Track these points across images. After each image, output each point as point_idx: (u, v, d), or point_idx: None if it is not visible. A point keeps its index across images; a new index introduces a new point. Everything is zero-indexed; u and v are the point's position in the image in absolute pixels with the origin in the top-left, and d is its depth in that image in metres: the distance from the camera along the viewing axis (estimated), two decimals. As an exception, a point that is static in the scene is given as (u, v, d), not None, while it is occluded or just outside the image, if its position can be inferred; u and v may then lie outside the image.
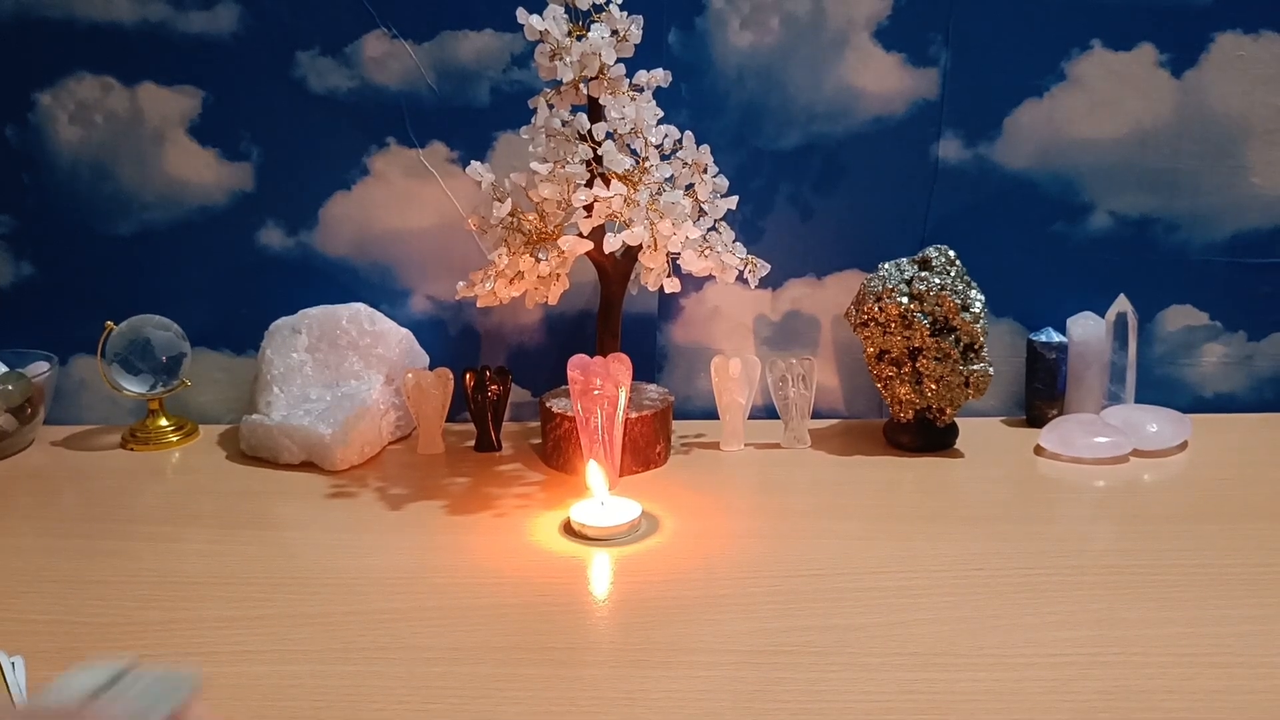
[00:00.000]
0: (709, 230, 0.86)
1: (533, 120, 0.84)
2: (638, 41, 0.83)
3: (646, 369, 1.05)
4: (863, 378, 1.04)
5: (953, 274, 0.93)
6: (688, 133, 0.86)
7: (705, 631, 0.66)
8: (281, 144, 1.01)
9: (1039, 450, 0.95)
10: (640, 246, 0.83)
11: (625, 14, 0.83)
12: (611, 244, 0.82)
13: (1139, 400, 1.01)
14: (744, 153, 1.00)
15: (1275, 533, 0.78)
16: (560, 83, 0.83)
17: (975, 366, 0.93)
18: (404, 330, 1.02)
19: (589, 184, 0.82)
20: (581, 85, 0.84)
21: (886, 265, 0.95)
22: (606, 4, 0.82)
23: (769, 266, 0.89)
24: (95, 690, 0.42)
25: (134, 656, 0.44)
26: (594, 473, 0.82)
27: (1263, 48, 0.97)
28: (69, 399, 1.07)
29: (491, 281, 0.85)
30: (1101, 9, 0.96)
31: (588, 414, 0.85)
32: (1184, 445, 0.96)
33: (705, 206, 0.86)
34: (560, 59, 0.82)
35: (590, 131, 0.82)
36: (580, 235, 0.83)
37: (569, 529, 0.80)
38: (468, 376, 0.97)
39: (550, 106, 0.84)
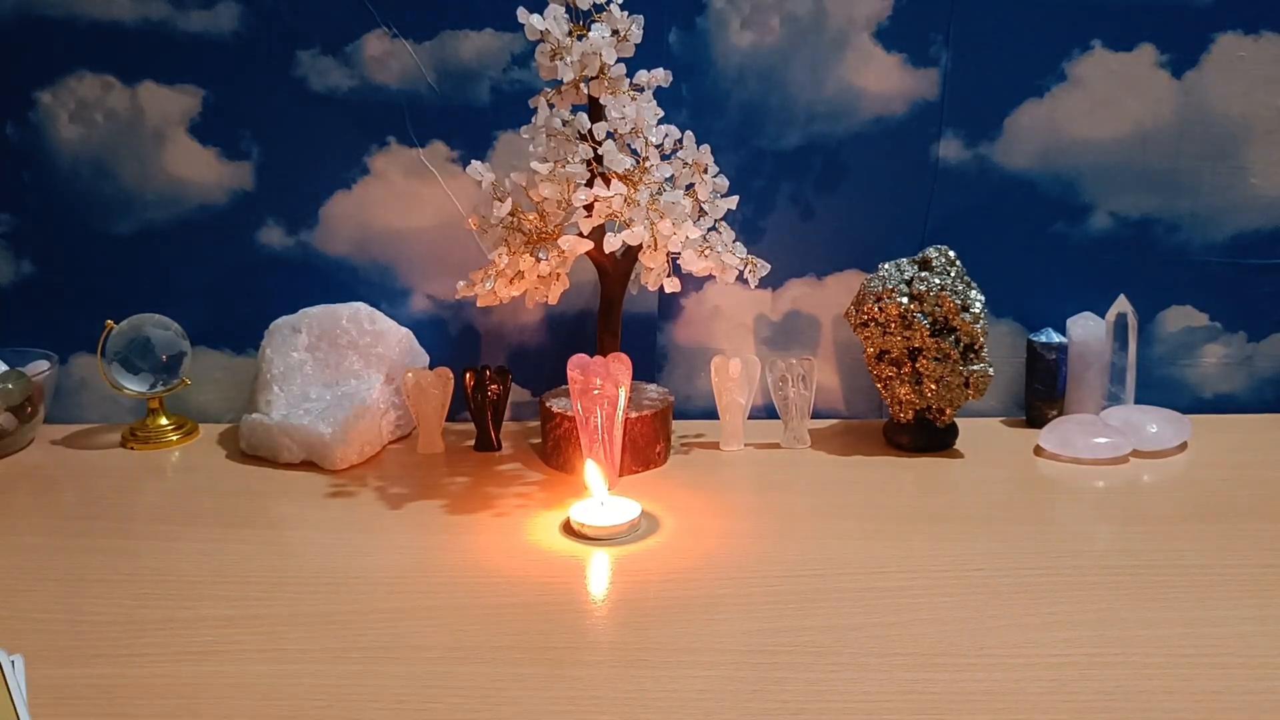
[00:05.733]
0: (709, 230, 0.86)
1: (533, 120, 0.84)
2: (638, 41, 0.83)
3: (646, 369, 1.05)
4: (863, 378, 1.04)
5: (953, 274, 0.93)
6: (688, 132, 0.86)
7: (705, 631, 0.66)
8: (282, 143, 1.01)
9: (1039, 451, 0.95)
10: (640, 246, 0.83)
11: (626, 14, 0.83)
12: (611, 244, 0.82)
13: (1139, 401, 1.01)
14: (744, 153, 1.00)
15: (1275, 533, 0.78)
16: (561, 82, 0.83)
17: (975, 367, 0.93)
18: (404, 329, 1.02)
19: (589, 183, 0.82)
20: (582, 85, 0.84)
21: (886, 265, 0.95)
22: (607, 4, 0.82)
23: (769, 266, 0.89)
24: None
25: None
26: (592, 473, 0.82)
27: (1263, 48, 0.97)
28: (69, 398, 1.07)
29: (491, 281, 0.85)
30: (1101, 9, 0.96)
31: (588, 414, 0.85)
32: (1184, 446, 0.96)
33: (705, 206, 0.86)
34: (561, 58, 0.82)
35: (590, 131, 0.82)
36: (580, 235, 0.83)
37: (569, 528, 0.80)
38: (468, 376, 0.97)
39: (551, 106, 0.84)
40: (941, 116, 0.99)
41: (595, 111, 0.84)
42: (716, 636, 0.65)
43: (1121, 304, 0.99)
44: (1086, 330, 1.00)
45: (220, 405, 1.06)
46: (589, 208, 0.82)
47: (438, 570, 0.74)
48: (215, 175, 1.02)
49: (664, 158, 0.85)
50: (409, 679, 0.61)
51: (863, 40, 0.97)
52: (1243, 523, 0.80)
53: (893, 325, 0.94)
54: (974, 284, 0.94)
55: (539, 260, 0.84)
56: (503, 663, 0.62)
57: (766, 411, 1.01)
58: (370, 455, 0.96)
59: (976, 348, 0.94)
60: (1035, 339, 1.01)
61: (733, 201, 0.87)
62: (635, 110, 0.83)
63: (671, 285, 0.86)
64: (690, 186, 0.86)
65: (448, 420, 0.99)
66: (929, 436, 0.96)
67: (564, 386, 0.95)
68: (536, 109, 0.84)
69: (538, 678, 0.61)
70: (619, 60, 0.82)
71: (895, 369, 0.95)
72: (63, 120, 1.01)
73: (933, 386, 0.93)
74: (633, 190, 0.82)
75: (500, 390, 0.97)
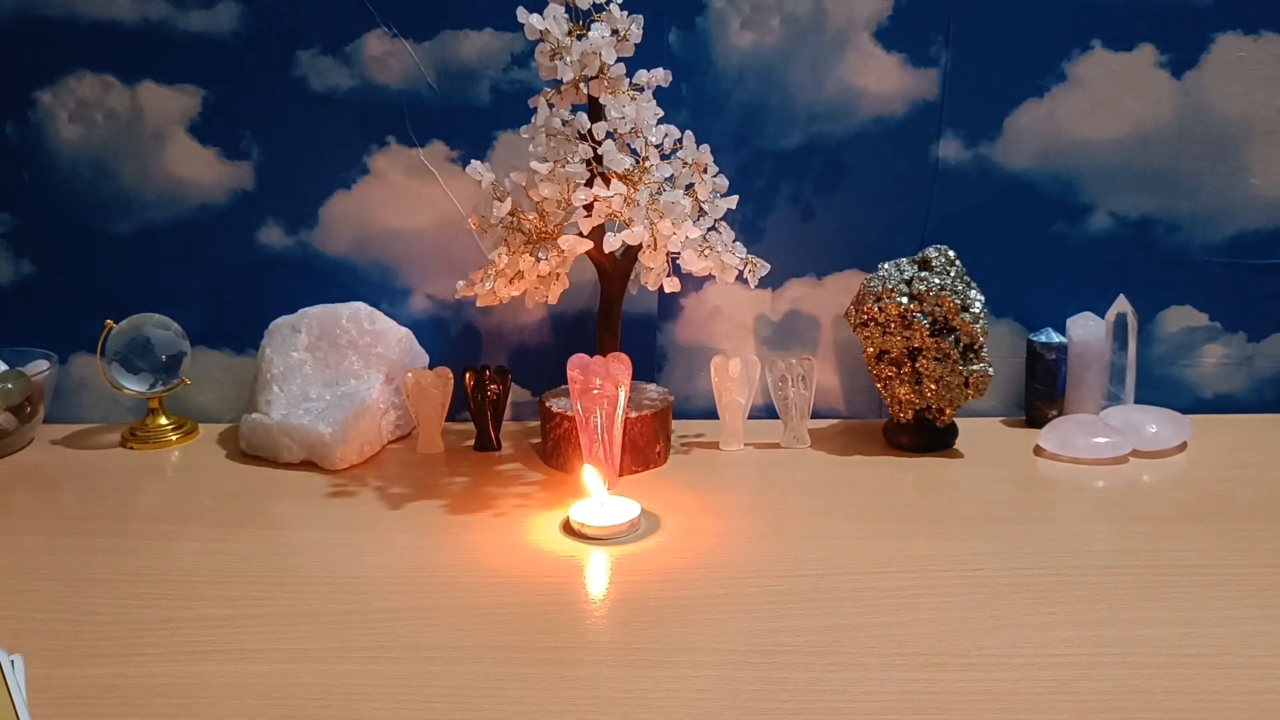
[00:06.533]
0: (709, 230, 0.86)
1: (533, 119, 0.84)
2: (638, 41, 0.83)
3: (646, 369, 1.05)
4: (863, 378, 1.04)
5: (952, 274, 0.93)
6: (688, 132, 0.86)
7: (704, 631, 0.66)
8: (281, 143, 1.01)
9: (1038, 451, 0.95)
10: (640, 246, 0.83)
11: (625, 13, 0.83)
12: (611, 243, 0.82)
13: (1138, 401, 1.01)
14: (744, 153, 1.00)
15: (1275, 533, 0.78)
16: (560, 82, 0.83)
17: (975, 367, 0.93)
18: (404, 329, 1.02)
19: (589, 183, 0.82)
20: (582, 85, 0.84)
21: (886, 265, 0.95)
22: (607, 3, 0.82)
23: (769, 266, 0.89)
24: None
25: None
26: (590, 476, 0.82)
27: (1263, 48, 0.97)
28: (69, 397, 1.07)
29: (491, 281, 0.85)
30: (1101, 9, 0.96)
31: (587, 414, 0.85)
32: (1183, 446, 0.96)
33: (705, 206, 0.86)
34: (560, 58, 0.82)
35: (590, 131, 0.82)
36: (580, 235, 0.83)
37: (568, 528, 0.80)
38: (467, 376, 0.97)
39: (550, 106, 0.84)
40: (941, 116, 0.99)
41: (595, 111, 0.84)
42: (716, 636, 0.65)
43: (1121, 304, 0.99)
44: (1086, 330, 1.00)
45: (220, 405, 1.06)
46: (589, 208, 0.82)
47: (438, 570, 0.74)
48: (215, 175, 1.02)
49: (664, 158, 0.85)
50: (409, 679, 0.61)
51: (863, 40, 0.97)
52: (1242, 523, 0.80)
53: (892, 325, 0.94)
54: (974, 284, 0.94)
55: (539, 260, 0.84)
56: (503, 663, 0.62)
57: (766, 411, 1.01)
58: (370, 455, 0.96)
59: (976, 348, 0.94)
60: (1035, 339, 1.01)
61: (732, 201, 0.87)
62: (635, 110, 0.83)
63: (671, 285, 0.86)
64: (690, 186, 0.86)
65: (447, 420, 0.99)
66: (929, 436, 0.96)
67: (564, 386, 0.95)
68: (536, 109, 0.84)
69: (538, 678, 0.61)
70: (619, 60, 0.82)
71: (895, 369, 0.95)
72: (63, 120, 1.01)
73: (932, 386, 0.93)
74: (632, 190, 0.82)
75: (500, 390, 0.97)
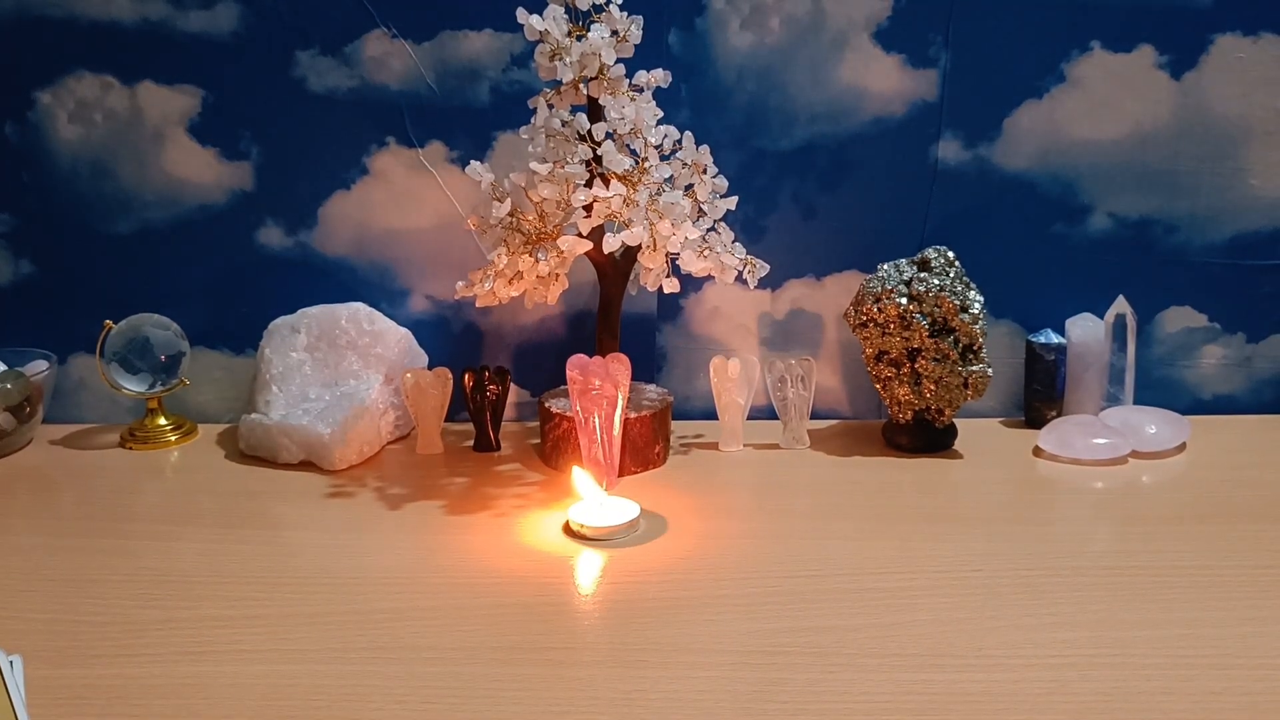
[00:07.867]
0: (708, 230, 0.87)
1: (532, 120, 0.84)
2: (638, 42, 0.83)
3: (646, 369, 1.05)
4: (863, 378, 1.04)
5: (952, 275, 0.94)
6: (687, 133, 0.86)
7: (704, 631, 0.66)
8: (281, 143, 1.01)
9: (1038, 451, 0.96)
10: (640, 247, 0.83)
11: (625, 14, 0.83)
12: (611, 244, 0.82)
13: (1138, 402, 1.01)
14: (744, 153, 1.00)
15: (1274, 534, 0.78)
16: (560, 83, 0.83)
17: (974, 368, 0.93)
18: (403, 330, 1.02)
19: (588, 184, 0.82)
20: (581, 85, 0.84)
21: (885, 266, 0.95)
22: (606, 4, 0.82)
23: (768, 267, 0.89)
24: None
25: None
26: (580, 479, 0.82)
27: (1262, 50, 0.97)
28: (68, 398, 1.07)
29: (491, 281, 0.85)
30: (1101, 10, 0.96)
31: (586, 414, 0.85)
32: (1182, 447, 0.96)
33: (704, 207, 0.86)
34: (560, 59, 0.82)
35: (590, 131, 0.82)
36: (579, 235, 0.83)
37: (568, 529, 0.80)
38: (466, 376, 0.97)
39: (550, 106, 0.84)
40: (941, 117, 0.99)
41: (594, 112, 0.84)
42: (716, 636, 0.65)
43: (1120, 305, 0.99)
44: (1085, 331, 1.00)
45: (219, 405, 1.06)
46: (588, 208, 0.82)
47: (437, 570, 0.74)
48: (214, 175, 1.02)
49: (663, 158, 0.85)
50: (409, 679, 0.61)
51: (862, 41, 0.97)
52: (1241, 524, 0.80)
53: (891, 326, 0.94)
54: (973, 285, 0.94)
55: (538, 260, 0.84)
56: (502, 663, 0.62)
57: (766, 412, 1.01)
58: (369, 455, 0.96)
59: (975, 348, 0.94)
60: (1034, 340, 1.01)
61: (732, 202, 0.87)
62: (634, 111, 0.83)
63: (670, 286, 0.86)
64: (689, 187, 0.86)
65: (447, 421, 0.99)
66: (928, 437, 0.96)
67: (563, 387, 0.95)
68: (536, 109, 0.84)
69: (537, 678, 0.61)
70: (618, 60, 0.82)
71: (894, 369, 0.95)
72: (62, 120, 1.01)
73: (931, 387, 0.93)
74: (632, 191, 0.82)
75: (499, 391, 0.97)
